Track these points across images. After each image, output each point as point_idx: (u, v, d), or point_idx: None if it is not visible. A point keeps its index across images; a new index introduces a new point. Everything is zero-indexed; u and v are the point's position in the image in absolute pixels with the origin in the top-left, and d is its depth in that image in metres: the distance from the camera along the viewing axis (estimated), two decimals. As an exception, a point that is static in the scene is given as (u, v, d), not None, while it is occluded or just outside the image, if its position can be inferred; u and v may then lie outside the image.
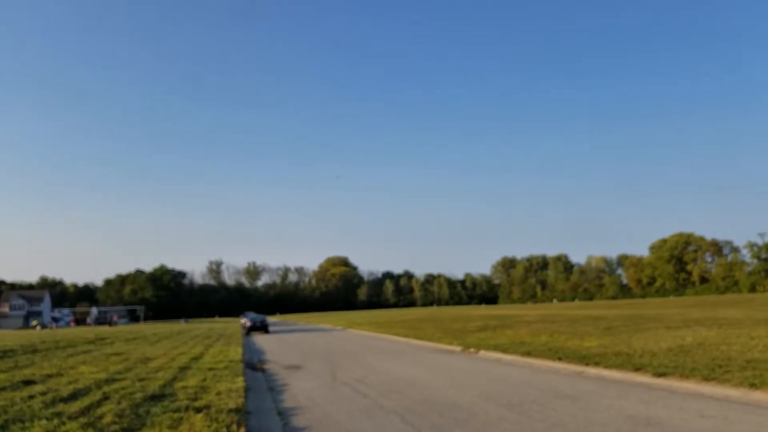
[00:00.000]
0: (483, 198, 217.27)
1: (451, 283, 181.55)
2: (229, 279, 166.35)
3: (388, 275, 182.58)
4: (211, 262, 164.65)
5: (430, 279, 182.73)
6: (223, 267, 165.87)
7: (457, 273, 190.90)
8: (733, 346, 13.42)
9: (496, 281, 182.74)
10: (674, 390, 9.31)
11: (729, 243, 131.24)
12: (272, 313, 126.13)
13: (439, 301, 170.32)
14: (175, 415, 8.27)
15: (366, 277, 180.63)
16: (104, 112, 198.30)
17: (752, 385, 8.57)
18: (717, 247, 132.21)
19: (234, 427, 7.43)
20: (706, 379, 9.42)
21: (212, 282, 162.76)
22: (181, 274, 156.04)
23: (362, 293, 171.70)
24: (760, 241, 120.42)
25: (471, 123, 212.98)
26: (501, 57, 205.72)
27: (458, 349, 18.97)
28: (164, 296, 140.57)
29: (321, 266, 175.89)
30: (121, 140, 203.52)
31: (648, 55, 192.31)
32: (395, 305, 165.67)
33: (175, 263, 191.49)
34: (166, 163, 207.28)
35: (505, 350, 16.62)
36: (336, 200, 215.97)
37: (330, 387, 11.68)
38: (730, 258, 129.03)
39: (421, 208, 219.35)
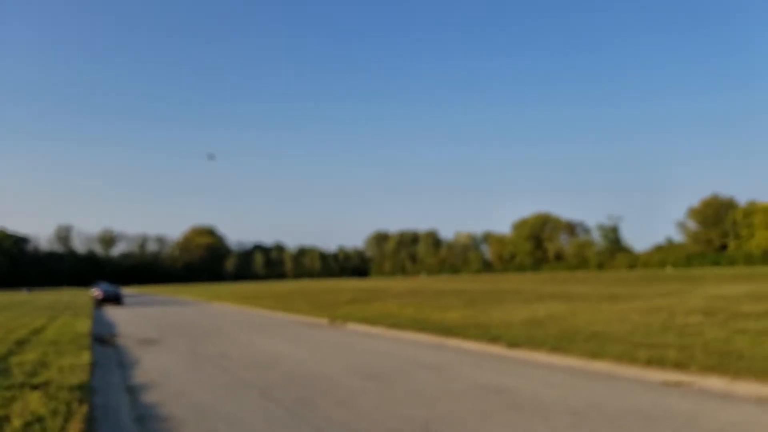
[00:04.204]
0: (357, 171, 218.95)
1: (323, 256, 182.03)
2: (80, 246, 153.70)
3: (258, 247, 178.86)
4: (59, 227, 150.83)
5: (303, 251, 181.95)
6: (74, 232, 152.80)
7: (331, 246, 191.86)
8: (580, 319, 14.59)
9: (369, 255, 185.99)
10: (525, 360, 9.88)
11: (582, 224, 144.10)
12: (129, 284, 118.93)
13: (311, 274, 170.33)
14: (8, 393, 7.45)
15: (234, 248, 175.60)
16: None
17: (593, 355, 9.30)
18: (571, 228, 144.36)
19: (75, 405, 6.80)
20: (554, 349, 10.10)
21: (61, 249, 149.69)
22: (24, 239, 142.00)
23: (230, 265, 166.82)
24: (608, 223, 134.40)
25: (345, 95, 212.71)
26: (375, 36, 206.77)
27: (326, 322, 18.96)
28: (4, 263, 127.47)
29: (185, 235, 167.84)
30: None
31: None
32: (265, 278, 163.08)
33: (17, 226, 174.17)
34: (8, 115, 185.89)
35: (372, 323, 16.85)
36: (202, 166, 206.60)
37: (188, 362, 11.11)
38: (582, 238, 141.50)
39: (293, 179, 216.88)
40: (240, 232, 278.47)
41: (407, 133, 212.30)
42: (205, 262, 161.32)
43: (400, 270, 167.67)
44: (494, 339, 11.71)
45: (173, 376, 9.53)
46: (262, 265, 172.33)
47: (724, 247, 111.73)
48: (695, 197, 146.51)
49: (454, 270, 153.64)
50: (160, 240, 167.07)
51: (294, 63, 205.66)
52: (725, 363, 7.97)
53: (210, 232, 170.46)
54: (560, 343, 10.56)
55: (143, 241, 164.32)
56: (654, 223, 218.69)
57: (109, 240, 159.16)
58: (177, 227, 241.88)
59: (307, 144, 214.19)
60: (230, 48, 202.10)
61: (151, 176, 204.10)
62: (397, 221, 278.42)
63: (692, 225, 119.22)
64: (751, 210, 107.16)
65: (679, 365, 8.13)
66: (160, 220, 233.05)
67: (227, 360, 11.15)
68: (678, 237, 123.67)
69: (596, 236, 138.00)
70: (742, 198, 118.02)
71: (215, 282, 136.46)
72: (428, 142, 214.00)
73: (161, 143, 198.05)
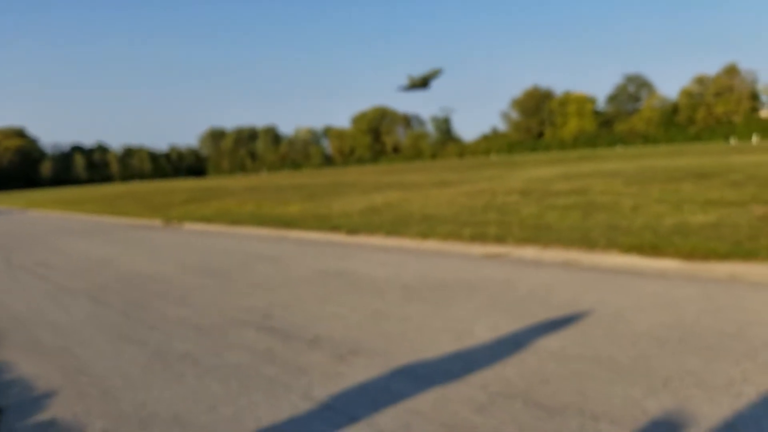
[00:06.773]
0: (184, 65, 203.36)
1: (154, 157, 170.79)
2: None
3: (77, 148, 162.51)
4: None
5: (130, 152, 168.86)
6: None
7: (161, 145, 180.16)
8: (413, 205, 15.40)
9: (205, 153, 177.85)
10: (364, 245, 10.30)
11: (417, 116, 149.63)
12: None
13: (141, 176, 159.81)
14: None
15: (50, 151, 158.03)
16: None
17: (424, 236, 9.94)
18: (407, 120, 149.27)
19: None
20: (390, 233, 10.63)
21: None
22: None
23: (46, 169, 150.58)
24: (440, 115, 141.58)
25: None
26: None
27: (161, 223, 18.10)
28: None
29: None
30: None
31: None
32: (89, 182, 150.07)
33: None
34: None
35: (210, 221, 16.40)
36: (7, 59, 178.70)
37: (3, 274, 10.11)
38: (417, 130, 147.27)
39: (112, 74, 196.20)
40: (55, 133, 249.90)
41: (240, 28, 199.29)
42: (16, 167, 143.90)
43: (240, 168, 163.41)
44: (334, 228, 12.01)
45: (-15, 290, 8.63)
46: (84, 168, 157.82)
47: (541, 134, 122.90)
48: (519, 89, 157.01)
49: (296, 165, 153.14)
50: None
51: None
52: (537, 235, 8.95)
53: (19, 134, 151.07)
54: (395, 227, 11.13)
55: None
56: (483, 114, 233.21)
57: None
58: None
59: (128, 35, 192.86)
60: None
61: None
62: (233, 118, 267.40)
63: (515, 115, 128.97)
64: (566, 100, 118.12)
65: (499, 239, 8.98)
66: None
67: (49, 269, 10.30)
68: (502, 126, 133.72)
69: (430, 128, 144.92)
70: (559, 89, 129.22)
71: (30, 189, 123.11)
72: (260, 38, 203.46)
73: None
